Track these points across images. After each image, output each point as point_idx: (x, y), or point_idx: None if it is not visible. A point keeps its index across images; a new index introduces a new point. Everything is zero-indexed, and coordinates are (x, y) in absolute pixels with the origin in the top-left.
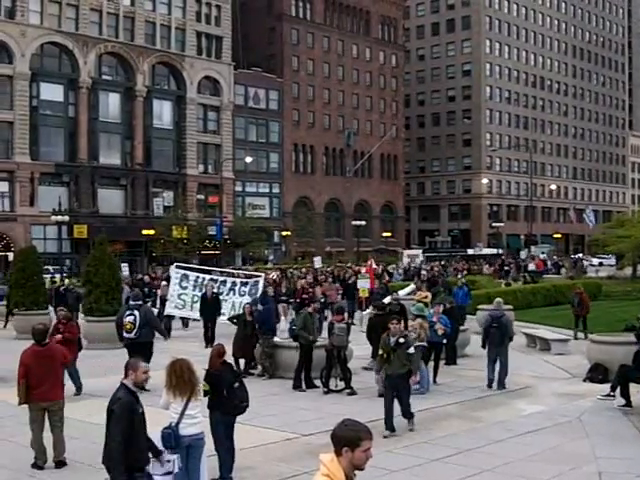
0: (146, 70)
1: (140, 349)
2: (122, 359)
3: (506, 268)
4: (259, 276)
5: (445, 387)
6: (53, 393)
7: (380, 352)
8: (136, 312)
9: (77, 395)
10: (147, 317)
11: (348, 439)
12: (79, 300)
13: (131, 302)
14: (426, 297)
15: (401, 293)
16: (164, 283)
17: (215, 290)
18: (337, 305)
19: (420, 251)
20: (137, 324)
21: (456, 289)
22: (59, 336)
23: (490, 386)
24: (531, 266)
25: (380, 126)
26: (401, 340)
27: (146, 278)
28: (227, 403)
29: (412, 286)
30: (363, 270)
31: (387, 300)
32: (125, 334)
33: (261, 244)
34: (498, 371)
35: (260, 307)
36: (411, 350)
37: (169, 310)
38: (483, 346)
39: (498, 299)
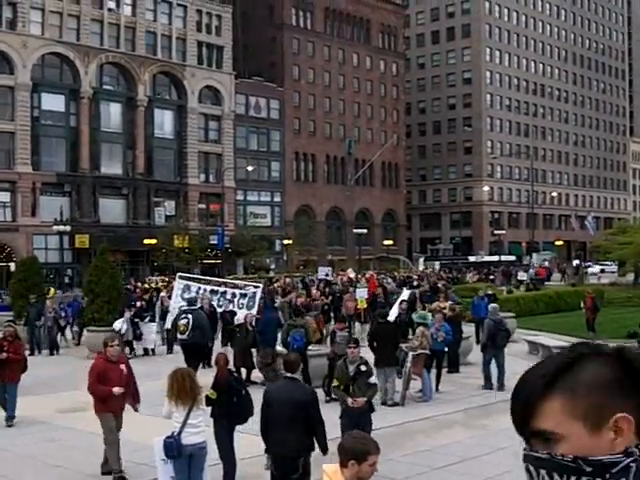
0: (147, 80)
1: (193, 350)
2: (135, 368)
3: (491, 277)
4: (257, 287)
5: (448, 395)
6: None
7: (335, 383)
8: (189, 316)
9: (9, 426)
10: (198, 321)
11: (356, 452)
12: (40, 315)
13: (187, 307)
14: (445, 308)
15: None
16: (162, 294)
17: (214, 303)
18: (340, 314)
19: (422, 259)
20: (190, 326)
21: (477, 300)
22: (4, 355)
23: (490, 387)
24: (520, 275)
25: (381, 134)
26: (362, 368)
27: None
28: (235, 411)
29: (405, 293)
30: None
31: (394, 313)
32: (179, 335)
33: (263, 253)
34: (498, 373)
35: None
36: (372, 379)
37: (170, 324)
38: (483, 349)
39: (494, 305)
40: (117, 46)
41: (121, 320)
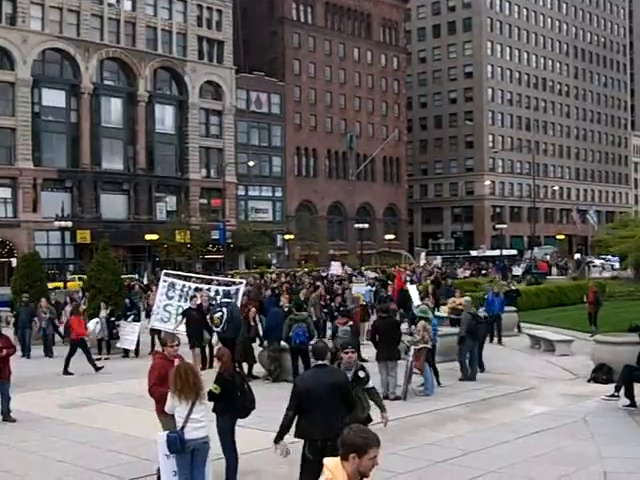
0: (148, 75)
1: (227, 344)
2: (125, 365)
3: (483, 272)
4: (240, 283)
5: (449, 389)
6: None
7: None
8: (224, 309)
9: (5, 421)
10: (232, 314)
11: (357, 446)
12: (32, 316)
13: (222, 300)
14: (460, 304)
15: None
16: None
17: (212, 302)
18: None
19: (423, 253)
20: (224, 319)
21: (491, 296)
22: (4, 352)
23: (471, 378)
24: (515, 270)
25: (382, 129)
26: (361, 374)
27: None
28: (238, 406)
29: (412, 287)
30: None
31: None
32: (214, 328)
33: (264, 248)
34: (471, 362)
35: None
36: (370, 384)
37: (153, 323)
38: (460, 342)
39: (467, 298)
40: (117, 41)
41: (94, 320)
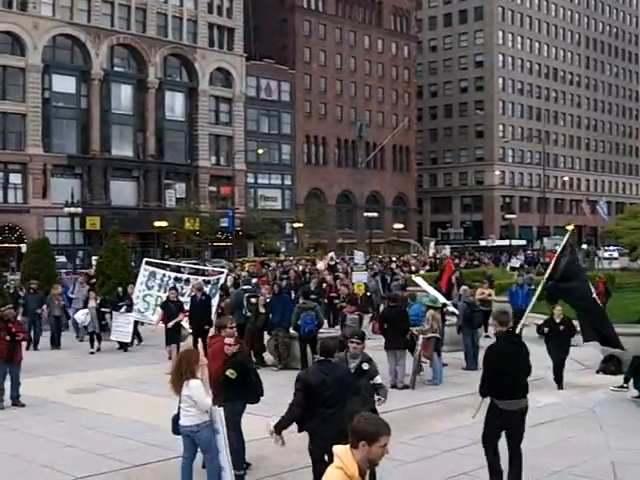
0: (158, 62)
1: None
2: (132, 351)
3: (475, 262)
4: (221, 272)
5: (457, 378)
6: None
7: None
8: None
9: (14, 405)
10: (237, 300)
11: (367, 433)
12: (42, 304)
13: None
14: (490, 295)
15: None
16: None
17: (207, 291)
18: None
19: (432, 243)
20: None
21: (515, 287)
22: (20, 336)
23: (474, 368)
24: (513, 262)
25: (392, 117)
26: (365, 366)
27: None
28: (251, 391)
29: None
30: (319, 264)
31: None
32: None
33: (273, 236)
34: (473, 352)
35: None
36: (378, 379)
37: (132, 314)
38: (459, 332)
39: (464, 287)
40: (128, 28)
41: (84, 311)
